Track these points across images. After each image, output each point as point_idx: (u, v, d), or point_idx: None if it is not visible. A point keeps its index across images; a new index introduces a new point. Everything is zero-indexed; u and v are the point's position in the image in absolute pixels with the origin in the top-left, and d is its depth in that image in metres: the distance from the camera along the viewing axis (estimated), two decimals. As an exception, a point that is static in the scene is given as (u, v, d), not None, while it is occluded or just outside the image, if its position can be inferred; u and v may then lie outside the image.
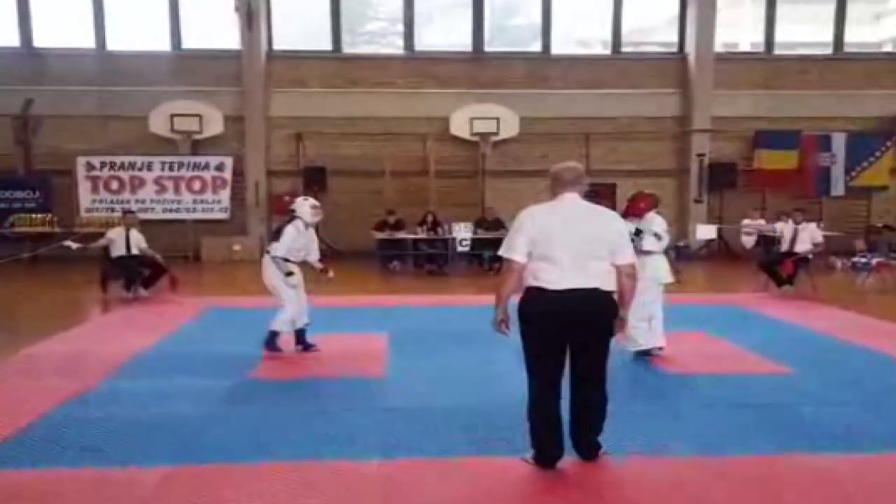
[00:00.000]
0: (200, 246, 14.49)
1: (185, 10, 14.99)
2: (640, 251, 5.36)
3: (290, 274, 6.01)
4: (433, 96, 15.01)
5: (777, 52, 15.73)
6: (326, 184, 14.73)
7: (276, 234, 6.29)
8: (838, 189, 15.29)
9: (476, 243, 12.80)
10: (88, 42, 14.85)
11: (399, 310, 8.57)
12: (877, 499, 3.42)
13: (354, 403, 4.78)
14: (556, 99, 15.08)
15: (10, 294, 10.25)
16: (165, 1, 14.86)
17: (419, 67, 15.28)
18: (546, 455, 3.66)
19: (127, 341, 6.69)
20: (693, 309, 8.08)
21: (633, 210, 5.95)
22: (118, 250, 9.54)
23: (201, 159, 14.76)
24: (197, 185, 14.72)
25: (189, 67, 14.92)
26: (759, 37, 15.82)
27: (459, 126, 14.80)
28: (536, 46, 15.59)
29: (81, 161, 14.42)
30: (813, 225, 10.19)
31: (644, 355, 5.90)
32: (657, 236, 5.85)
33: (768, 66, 15.62)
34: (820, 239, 9.84)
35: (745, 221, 14.16)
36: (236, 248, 14.42)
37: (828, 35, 15.73)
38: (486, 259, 12.52)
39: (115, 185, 14.55)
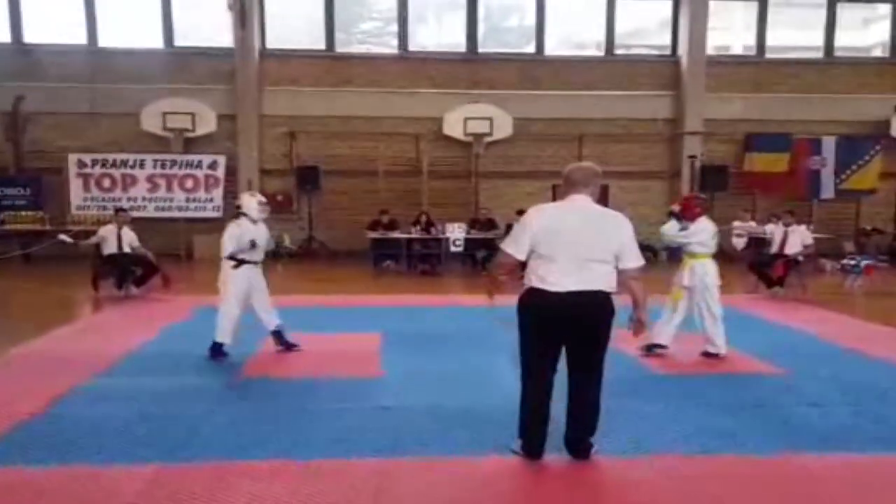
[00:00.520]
0: (193, 244, 14.41)
1: (177, 7, 14.91)
2: (688, 254, 6.10)
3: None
4: (427, 96, 15.01)
5: (768, 55, 15.84)
6: (320, 183, 14.72)
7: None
8: (828, 192, 15.42)
9: (469, 243, 12.79)
10: (80, 38, 14.73)
11: (392, 310, 8.56)
12: (867, 500, 3.46)
13: (348, 403, 4.78)
14: (550, 100, 15.11)
15: (0, 292, 10.17)
16: (158, -2, 14.79)
17: (413, 67, 15.28)
18: (532, 447, 3.74)
19: (118, 340, 6.66)
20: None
21: (688, 214, 6.23)
22: (110, 248, 9.49)
23: (194, 157, 14.69)
24: (189, 184, 14.65)
25: (182, 65, 14.85)
26: (750, 40, 15.93)
27: (453, 126, 14.81)
28: (530, 48, 15.63)
29: (73, 158, 14.31)
30: (803, 227, 10.28)
31: (652, 349, 6.11)
32: (703, 242, 6.11)
33: (760, 69, 15.73)
34: (810, 241, 9.93)
35: (736, 223, 14.20)
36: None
37: (818, 39, 15.88)
38: (479, 259, 12.55)
39: (106, 182, 14.45)
